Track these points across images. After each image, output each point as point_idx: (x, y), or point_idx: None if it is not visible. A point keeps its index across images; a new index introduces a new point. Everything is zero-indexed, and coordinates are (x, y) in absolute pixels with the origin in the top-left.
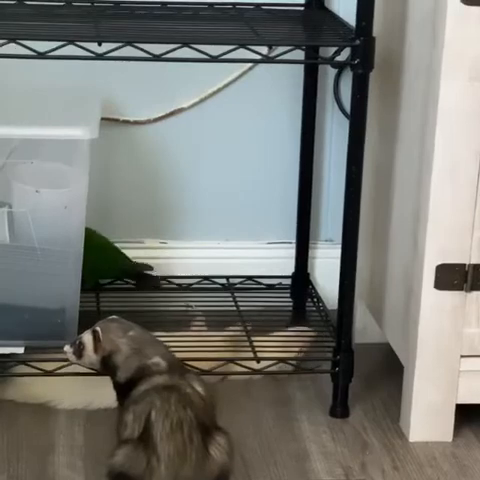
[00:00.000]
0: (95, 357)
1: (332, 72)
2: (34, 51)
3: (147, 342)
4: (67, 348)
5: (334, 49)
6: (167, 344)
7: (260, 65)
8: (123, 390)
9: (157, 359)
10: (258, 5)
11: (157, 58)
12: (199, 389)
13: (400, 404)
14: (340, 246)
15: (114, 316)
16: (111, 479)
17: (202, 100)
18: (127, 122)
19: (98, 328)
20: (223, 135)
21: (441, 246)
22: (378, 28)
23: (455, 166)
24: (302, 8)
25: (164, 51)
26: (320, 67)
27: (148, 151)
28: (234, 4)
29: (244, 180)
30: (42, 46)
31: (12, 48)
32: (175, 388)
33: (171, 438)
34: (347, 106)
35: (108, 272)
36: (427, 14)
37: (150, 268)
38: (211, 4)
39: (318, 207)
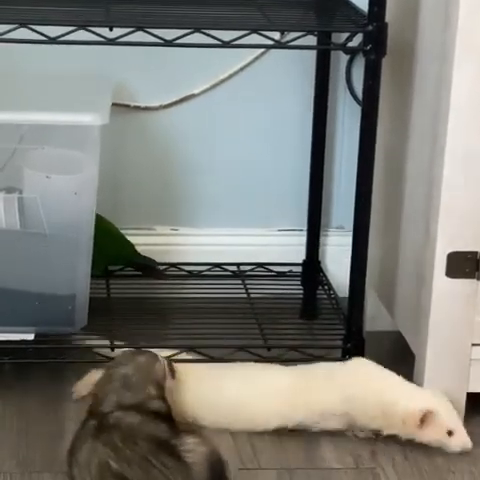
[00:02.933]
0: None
1: (344, 58)
2: (45, 36)
3: None
4: None
5: (346, 35)
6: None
7: (272, 51)
8: None
9: None
10: None
11: (168, 43)
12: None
13: None
14: (351, 233)
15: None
16: None
17: (213, 86)
18: (138, 108)
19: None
20: (234, 121)
21: (453, 234)
22: (390, 14)
23: (468, 152)
24: None
25: (175, 36)
26: (332, 53)
27: (159, 137)
28: None
29: (255, 167)
30: (53, 31)
31: (23, 33)
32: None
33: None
34: (359, 92)
35: (115, 259)
36: (440, 1)
37: (155, 263)
38: None
39: (329, 194)
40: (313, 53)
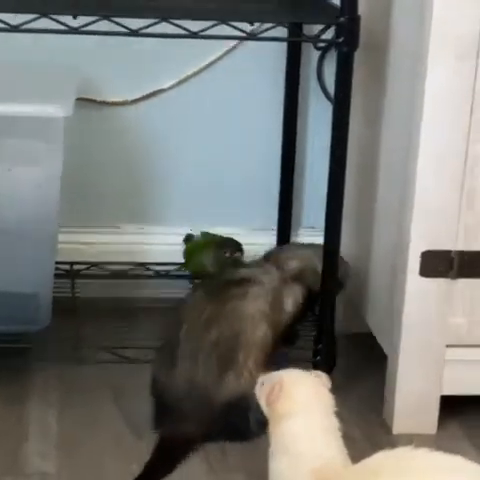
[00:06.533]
0: None
1: (315, 55)
2: (6, 24)
3: None
4: None
5: (318, 29)
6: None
7: (241, 46)
8: None
9: None
10: None
11: (134, 33)
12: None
13: (383, 395)
14: (322, 233)
15: None
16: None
17: (182, 81)
18: (105, 103)
19: None
20: (203, 118)
21: (426, 232)
22: (363, 8)
23: (441, 150)
24: None
25: (142, 26)
26: (303, 50)
27: (126, 133)
28: None
29: (225, 164)
30: (15, 19)
31: None
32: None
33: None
34: (330, 90)
35: None
36: None
37: None
38: None
39: (300, 193)
40: (283, 49)
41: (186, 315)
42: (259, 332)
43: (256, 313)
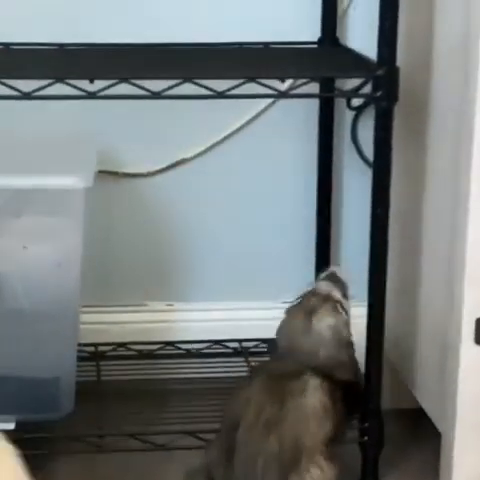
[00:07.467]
0: None
1: (349, 118)
2: (18, 91)
3: None
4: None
5: (353, 85)
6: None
7: (269, 112)
8: None
9: None
10: (267, 44)
11: (156, 96)
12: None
13: (438, 475)
14: (363, 304)
15: None
16: None
17: (207, 149)
18: (126, 175)
19: None
20: (231, 188)
21: None
22: (400, 59)
23: None
24: (315, 46)
25: (164, 88)
26: (336, 115)
27: (150, 206)
28: (241, 44)
29: (255, 234)
30: (27, 86)
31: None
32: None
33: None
34: (367, 151)
35: None
36: (457, 45)
37: None
38: (215, 44)
39: (337, 262)
40: (315, 111)
41: (243, 411)
42: (323, 430)
43: (318, 409)
